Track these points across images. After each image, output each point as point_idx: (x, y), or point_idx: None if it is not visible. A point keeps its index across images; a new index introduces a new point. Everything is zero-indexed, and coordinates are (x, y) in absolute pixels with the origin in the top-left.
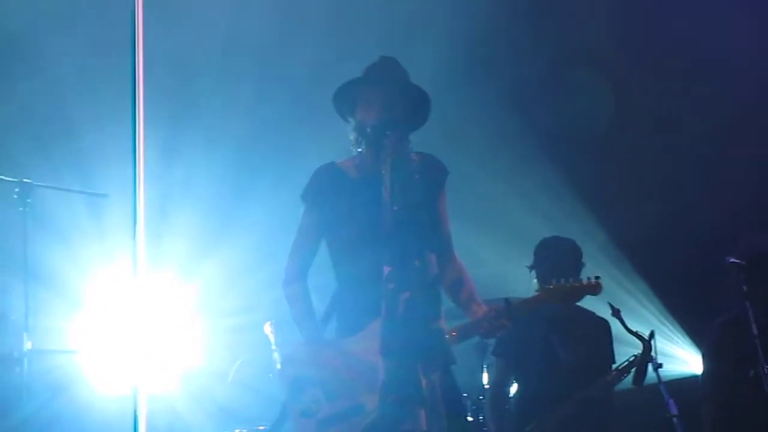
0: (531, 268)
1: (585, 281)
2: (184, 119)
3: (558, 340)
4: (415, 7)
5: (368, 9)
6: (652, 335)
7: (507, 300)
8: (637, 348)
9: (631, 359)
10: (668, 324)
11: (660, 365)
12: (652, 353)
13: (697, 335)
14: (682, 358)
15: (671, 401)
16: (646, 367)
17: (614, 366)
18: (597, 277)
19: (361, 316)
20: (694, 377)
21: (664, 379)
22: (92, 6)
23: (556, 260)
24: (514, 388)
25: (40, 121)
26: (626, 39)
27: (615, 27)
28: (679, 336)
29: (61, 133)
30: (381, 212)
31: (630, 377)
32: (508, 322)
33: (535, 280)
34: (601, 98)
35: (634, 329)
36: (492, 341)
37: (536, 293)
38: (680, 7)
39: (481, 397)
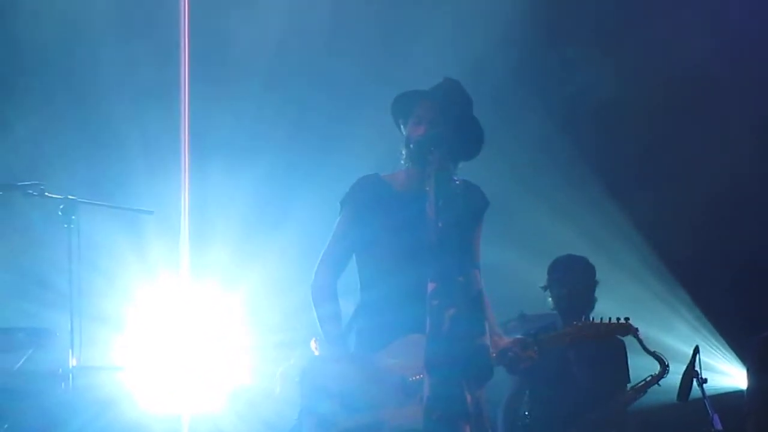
0: (545, 288)
1: (615, 321)
2: (229, 130)
3: (574, 357)
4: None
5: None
6: (696, 350)
7: (535, 335)
8: (683, 362)
9: (647, 379)
10: (712, 338)
11: (705, 380)
12: (696, 368)
13: (741, 349)
14: (726, 372)
15: (716, 416)
16: (691, 381)
17: (629, 386)
18: (627, 319)
19: (387, 333)
20: (739, 392)
21: (708, 394)
22: (140, 20)
23: (570, 280)
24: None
25: (87, 138)
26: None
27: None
28: (724, 350)
29: (107, 149)
30: (425, 228)
31: (674, 393)
32: (535, 355)
33: (550, 299)
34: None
35: (652, 349)
36: None
37: (565, 329)
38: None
39: None
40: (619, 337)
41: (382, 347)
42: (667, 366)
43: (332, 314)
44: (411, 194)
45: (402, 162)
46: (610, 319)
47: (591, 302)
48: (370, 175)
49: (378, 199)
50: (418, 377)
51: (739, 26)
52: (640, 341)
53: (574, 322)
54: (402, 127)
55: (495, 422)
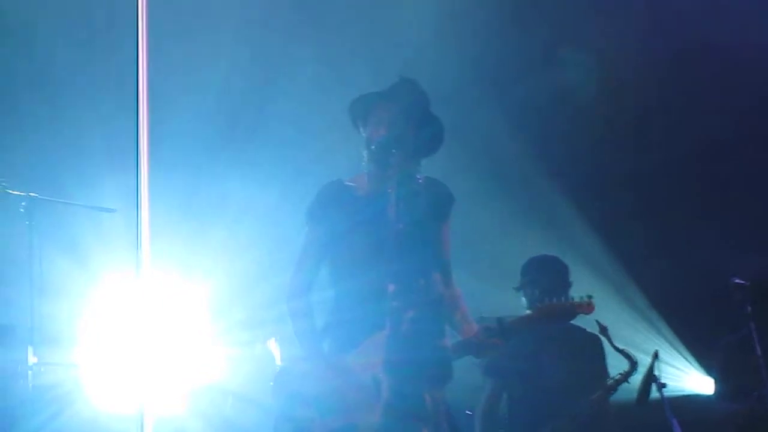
0: (518, 288)
1: (578, 301)
2: (191, 128)
3: (549, 357)
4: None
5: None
6: (656, 355)
7: (499, 319)
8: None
9: (617, 377)
10: (671, 343)
11: (664, 385)
12: (656, 372)
13: (700, 355)
14: (685, 377)
15: (675, 421)
16: (650, 386)
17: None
18: (589, 297)
19: (357, 332)
20: (698, 396)
21: (667, 399)
22: (98, 16)
23: (544, 280)
24: None
25: (46, 134)
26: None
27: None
28: (683, 355)
29: (68, 146)
30: (385, 229)
31: (633, 396)
32: (500, 341)
33: (524, 299)
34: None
35: (620, 347)
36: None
37: (528, 312)
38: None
39: (468, 412)
40: (594, 333)
41: (353, 347)
42: (636, 363)
43: (303, 310)
44: (372, 196)
45: (363, 165)
46: (573, 298)
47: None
48: (333, 182)
49: (341, 204)
50: (375, 372)
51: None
52: (609, 339)
53: (537, 304)
54: (361, 129)
55: (473, 425)
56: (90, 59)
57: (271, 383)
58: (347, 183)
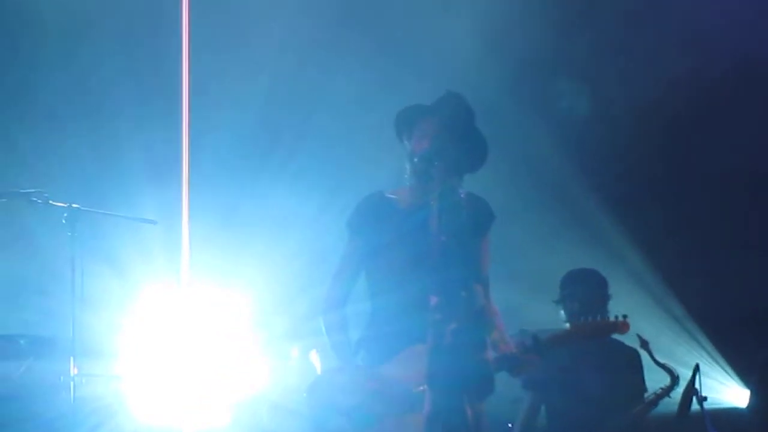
0: (558, 302)
1: (613, 319)
2: (232, 140)
3: (587, 370)
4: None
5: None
6: (697, 368)
7: (535, 336)
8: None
9: (657, 392)
10: (713, 356)
11: (705, 398)
12: (696, 386)
13: (742, 369)
14: (727, 390)
15: None
16: (691, 399)
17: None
18: (625, 316)
19: (393, 343)
20: (737, 410)
21: (708, 412)
22: (141, 26)
23: (583, 293)
24: None
25: (87, 145)
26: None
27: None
28: (725, 368)
29: (108, 159)
30: (427, 241)
31: (674, 409)
32: (536, 358)
33: (563, 312)
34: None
35: (662, 361)
36: None
37: (564, 329)
38: None
39: (510, 425)
40: (633, 347)
41: (388, 358)
42: (677, 377)
43: (339, 323)
44: (413, 209)
45: (406, 177)
46: (609, 316)
47: (604, 316)
48: (374, 194)
49: (382, 216)
50: (422, 388)
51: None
52: (650, 353)
53: (573, 321)
54: (406, 142)
55: None
56: (132, 70)
57: (305, 394)
58: (388, 195)
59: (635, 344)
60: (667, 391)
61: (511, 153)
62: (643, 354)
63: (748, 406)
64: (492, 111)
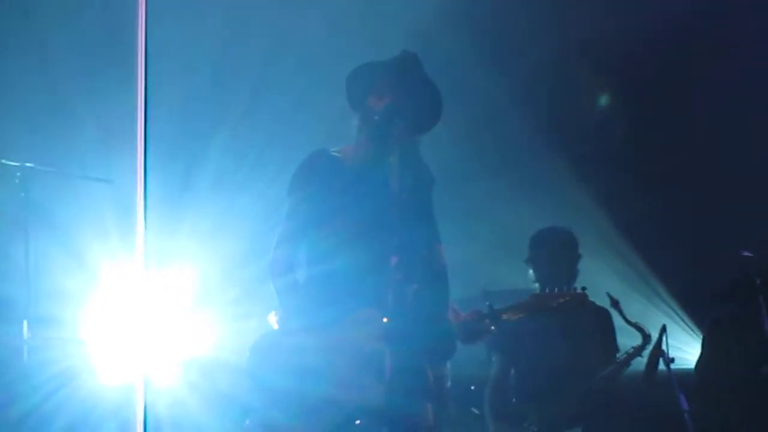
0: (527, 261)
1: (572, 293)
2: (181, 111)
3: (557, 331)
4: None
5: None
6: (664, 329)
7: (490, 304)
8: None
9: (630, 351)
10: (679, 316)
11: (672, 360)
12: (663, 347)
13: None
14: (693, 351)
15: (682, 396)
16: (657, 361)
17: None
18: (583, 288)
19: (345, 306)
20: None
21: (675, 373)
22: None
23: (553, 252)
24: None
25: (39, 105)
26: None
27: None
28: (692, 329)
29: (62, 118)
30: (387, 201)
31: (641, 372)
32: (491, 326)
33: (532, 272)
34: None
35: (633, 321)
36: None
37: (522, 301)
38: None
39: (472, 387)
40: (604, 307)
41: (337, 321)
42: (649, 336)
43: (290, 285)
44: (366, 167)
45: (356, 134)
46: (564, 288)
47: (574, 275)
48: (319, 150)
49: (330, 174)
50: (374, 347)
51: None
52: (621, 312)
53: (532, 294)
54: (358, 104)
55: (476, 400)
56: (86, 26)
57: (247, 353)
58: (334, 153)
59: (605, 303)
60: (638, 350)
61: (472, 111)
62: (614, 314)
63: (695, 364)
64: (449, 68)
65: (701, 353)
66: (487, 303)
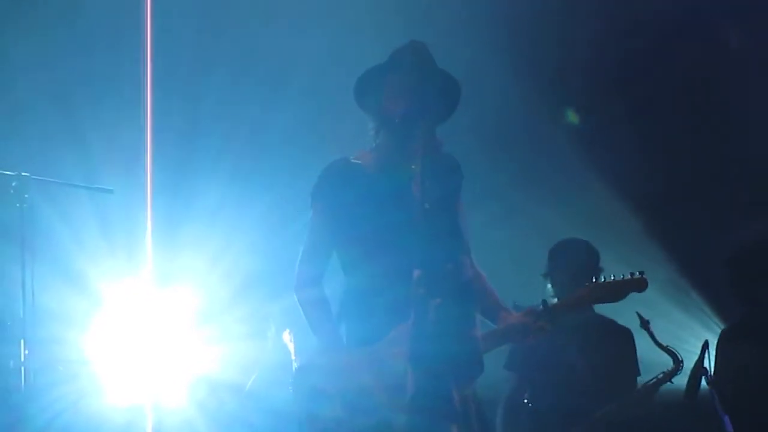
0: (546, 275)
1: (629, 276)
2: (188, 125)
3: (577, 350)
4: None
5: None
6: (706, 345)
7: (545, 301)
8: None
9: (659, 376)
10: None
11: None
12: (706, 365)
13: None
14: None
15: (726, 418)
16: (700, 380)
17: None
18: (641, 273)
19: (381, 321)
20: None
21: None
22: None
23: (573, 265)
24: None
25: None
26: None
27: None
28: None
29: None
30: (409, 210)
31: (681, 391)
32: (548, 324)
33: (550, 286)
34: None
35: (665, 344)
36: None
37: (576, 292)
38: None
39: None
40: (625, 326)
41: (378, 337)
42: (681, 361)
43: (318, 300)
44: (387, 174)
45: (375, 141)
46: (623, 276)
47: None
48: (338, 160)
49: (351, 184)
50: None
51: None
52: (651, 334)
53: (586, 284)
54: (374, 109)
55: (494, 420)
56: (91, 38)
57: (291, 381)
58: (354, 161)
59: (625, 322)
60: (669, 375)
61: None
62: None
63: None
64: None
65: (715, 367)
66: (543, 300)
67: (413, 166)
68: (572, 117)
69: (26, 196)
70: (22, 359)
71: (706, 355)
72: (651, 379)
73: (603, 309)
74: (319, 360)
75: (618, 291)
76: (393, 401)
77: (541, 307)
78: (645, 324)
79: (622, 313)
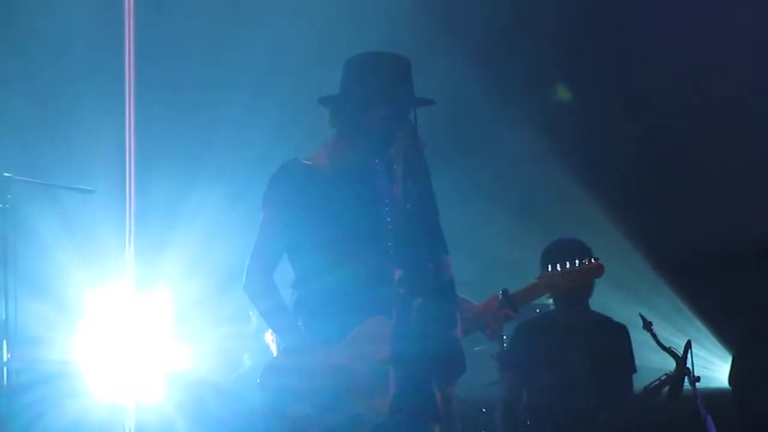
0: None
1: (585, 263)
2: (170, 127)
3: (574, 349)
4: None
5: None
6: (689, 345)
7: (505, 290)
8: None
9: (662, 378)
10: (704, 334)
11: (698, 379)
12: (689, 365)
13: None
14: (720, 370)
15: (709, 418)
16: (683, 381)
17: (637, 382)
18: (596, 258)
19: (348, 318)
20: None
21: (700, 393)
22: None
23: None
24: None
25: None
26: None
27: None
28: (717, 347)
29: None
30: (382, 210)
31: (663, 392)
32: (512, 311)
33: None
34: None
35: (666, 345)
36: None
37: (535, 281)
38: None
39: (483, 410)
40: (620, 323)
41: (342, 338)
42: (684, 364)
43: (276, 306)
44: (348, 174)
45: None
46: (578, 262)
47: (589, 288)
48: (290, 162)
49: (305, 186)
50: (385, 360)
51: None
52: (654, 335)
53: (545, 272)
54: (352, 103)
55: (494, 423)
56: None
57: (258, 380)
58: (305, 162)
59: (621, 320)
60: (671, 377)
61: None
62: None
63: (728, 375)
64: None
65: (735, 362)
66: (501, 289)
67: (395, 166)
68: (562, 93)
69: (8, 196)
70: (5, 359)
71: (689, 355)
72: (653, 382)
73: (602, 309)
74: (288, 359)
75: (575, 277)
76: (360, 396)
77: (500, 295)
78: (647, 325)
79: (623, 313)
